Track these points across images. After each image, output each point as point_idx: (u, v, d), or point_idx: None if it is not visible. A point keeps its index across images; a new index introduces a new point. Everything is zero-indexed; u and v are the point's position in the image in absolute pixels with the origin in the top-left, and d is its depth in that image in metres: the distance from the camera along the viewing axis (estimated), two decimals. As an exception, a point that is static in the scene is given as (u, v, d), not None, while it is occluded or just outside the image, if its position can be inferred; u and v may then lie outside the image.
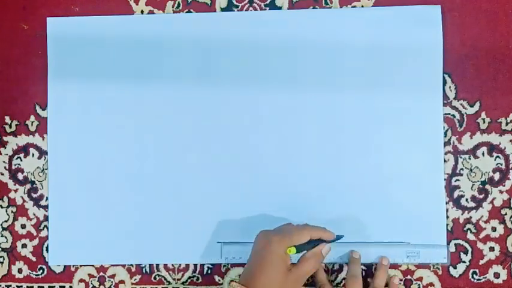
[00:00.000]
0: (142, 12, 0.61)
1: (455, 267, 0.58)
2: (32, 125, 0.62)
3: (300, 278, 0.51)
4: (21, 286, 0.62)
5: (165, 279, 0.61)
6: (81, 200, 0.61)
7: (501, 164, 0.58)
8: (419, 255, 0.57)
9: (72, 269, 0.62)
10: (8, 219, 0.63)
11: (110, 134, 0.61)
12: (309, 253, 0.51)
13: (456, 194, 0.58)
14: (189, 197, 0.60)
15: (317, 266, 0.52)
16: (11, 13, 0.62)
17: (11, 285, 0.63)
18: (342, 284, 0.59)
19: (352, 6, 0.59)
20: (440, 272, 0.58)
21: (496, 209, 0.58)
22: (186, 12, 0.61)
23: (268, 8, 0.60)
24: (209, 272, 0.61)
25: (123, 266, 0.61)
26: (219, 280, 0.60)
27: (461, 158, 0.58)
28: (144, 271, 0.61)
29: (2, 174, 0.63)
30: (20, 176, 0.63)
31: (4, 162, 0.63)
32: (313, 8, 0.60)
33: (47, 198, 0.62)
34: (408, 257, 0.57)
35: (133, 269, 0.61)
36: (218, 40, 0.60)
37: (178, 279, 0.61)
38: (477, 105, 0.58)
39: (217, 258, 0.59)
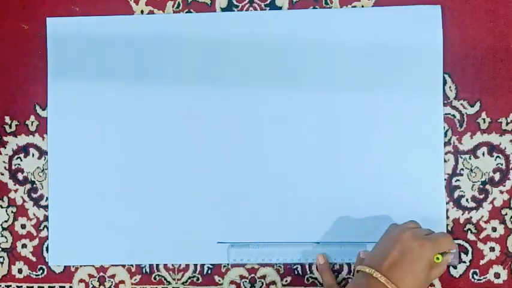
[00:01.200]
0: (142, 12, 0.61)
1: (455, 268, 0.58)
2: (32, 125, 0.62)
3: (430, 282, 0.51)
4: (21, 286, 0.62)
5: (165, 279, 0.61)
6: (81, 200, 0.61)
7: (501, 164, 0.58)
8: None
9: (72, 269, 0.62)
10: (8, 219, 0.63)
11: (110, 134, 0.61)
12: (443, 261, 0.51)
13: (456, 194, 0.58)
14: (189, 196, 0.60)
15: (442, 272, 0.52)
16: (11, 13, 0.62)
17: (11, 285, 0.63)
18: (342, 284, 0.59)
19: (352, 6, 0.59)
20: (440, 272, 0.58)
21: (496, 209, 0.58)
22: (186, 12, 0.61)
23: (268, 8, 0.60)
24: (209, 272, 0.61)
25: (123, 266, 0.61)
26: (219, 280, 0.60)
27: (461, 158, 0.58)
28: (144, 271, 0.61)
29: (2, 174, 0.63)
30: (20, 176, 0.63)
31: (4, 162, 0.63)
32: (313, 8, 0.60)
33: (47, 198, 0.62)
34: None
35: (133, 269, 0.61)
36: (218, 40, 0.60)
37: (178, 279, 0.61)
38: (477, 105, 0.58)
39: (219, 259, 0.59)
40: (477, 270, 0.58)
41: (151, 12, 0.61)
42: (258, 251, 0.59)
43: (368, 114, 0.59)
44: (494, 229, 0.58)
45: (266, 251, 0.59)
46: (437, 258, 0.50)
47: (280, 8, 0.60)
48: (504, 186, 0.58)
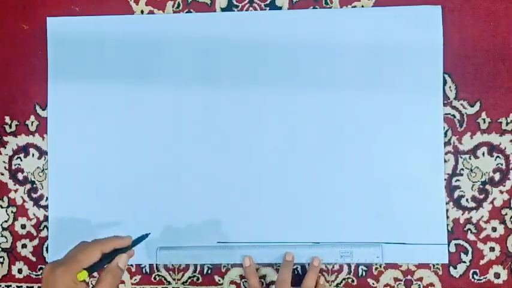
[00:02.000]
0: (142, 12, 0.61)
1: (455, 268, 0.58)
2: (32, 125, 0.62)
3: None
4: (21, 286, 0.62)
5: (165, 279, 0.61)
6: (81, 200, 0.61)
7: (501, 164, 0.58)
8: (352, 255, 0.58)
9: (72, 269, 0.62)
10: (8, 219, 0.63)
11: (110, 134, 0.61)
12: (103, 273, 0.47)
13: (456, 194, 0.58)
14: (189, 197, 0.60)
15: (117, 281, 0.47)
16: (11, 13, 0.62)
17: (11, 285, 0.63)
18: (342, 285, 0.59)
19: (352, 6, 0.59)
20: (440, 272, 0.58)
21: (496, 209, 0.58)
22: (186, 12, 0.61)
23: (268, 8, 0.60)
24: (209, 272, 0.61)
25: (123, 266, 0.61)
26: (219, 280, 0.60)
27: (461, 158, 0.58)
28: (144, 271, 0.61)
29: (2, 174, 0.63)
30: (20, 176, 0.63)
31: (4, 162, 0.63)
32: (313, 8, 0.60)
33: (47, 198, 0.62)
34: (342, 257, 0.58)
35: (133, 269, 0.61)
36: (218, 40, 0.60)
37: (178, 279, 0.61)
38: (477, 105, 0.58)
39: (219, 259, 0.59)
40: (477, 270, 0.58)
41: (151, 12, 0.61)
42: (184, 253, 0.59)
43: (368, 114, 0.59)
44: (494, 229, 0.58)
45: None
46: (79, 277, 0.45)
47: (280, 8, 0.60)
48: (504, 186, 0.58)
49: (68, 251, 0.49)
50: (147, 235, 0.53)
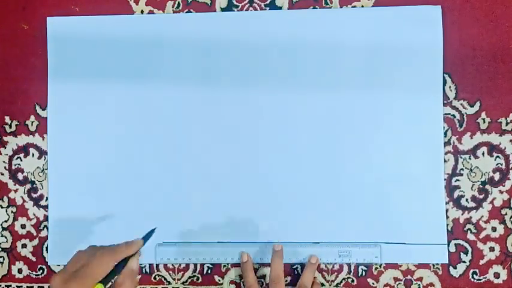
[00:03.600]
0: (142, 12, 0.61)
1: (455, 267, 0.58)
2: (32, 125, 0.62)
3: None
4: (21, 286, 0.62)
5: (165, 279, 0.61)
6: (81, 200, 0.61)
7: (501, 164, 0.58)
8: (350, 254, 0.58)
9: (72, 269, 0.62)
10: (8, 219, 0.63)
11: (110, 134, 0.61)
12: (120, 278, 0.47)
13: (456, 194, 0.58)
14: (189, 197, 0.60)
15: (135, 284, 0.48)
16: (11, 13, 0.62)
17: (11, 285, 0.63)
18: (341, 284, 0.59)
19: (352, 6, 0.59)
20: (440, 272, 0.58)
21: (496, 209, 0.58)
22: (186, 12, 0.61)
23: (268, 8, 0.60)
24: (209, 272, 0.61)
25: (123, 266, 0.61)
26: (219, 280, 0.60)
27: (461, 158, 0.58)
28: (144, 271, 0.61)
29: (2, 174, 0.63)
30: (20, 176, 0.63)
31: (4, 162, 0.63)
32: (313, 8, 0.60)
33: (47, 198, 0.62)
34: (340, 257, 0.58)
35: (133, 269, 0.61)
36: (218, 40, 0.60)
37: (178, 279, 0.61)
38: (477, 105, 0.58)
39: (219, 258, 0.59)
40: (477, 270, 0.58)
41: (151, 12, 0.61)
42: (183, 250, 0.59)
43: (368, 114, 0.59)
44: (494, 229, 0.58)
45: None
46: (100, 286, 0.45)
47: (280, 8, 0.60)
48: (504, 186, 0.58)
49: (77, 255, 0.48)
50: (153, 230, 0.53)
